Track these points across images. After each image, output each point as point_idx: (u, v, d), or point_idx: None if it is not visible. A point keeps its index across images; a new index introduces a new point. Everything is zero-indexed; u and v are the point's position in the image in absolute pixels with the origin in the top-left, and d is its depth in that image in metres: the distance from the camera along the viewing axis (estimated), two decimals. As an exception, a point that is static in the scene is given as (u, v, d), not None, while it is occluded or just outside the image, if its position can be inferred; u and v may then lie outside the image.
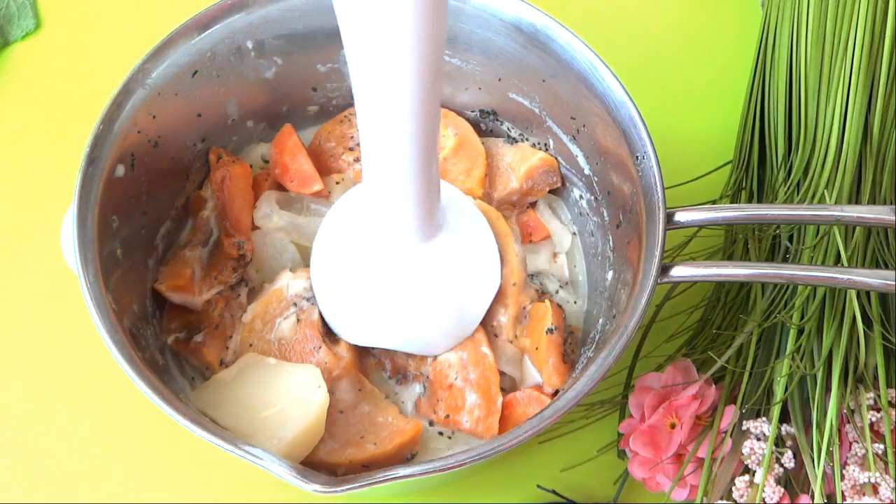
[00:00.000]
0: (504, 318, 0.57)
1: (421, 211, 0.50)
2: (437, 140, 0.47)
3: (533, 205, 0.62)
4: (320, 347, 0.55)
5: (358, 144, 0.61)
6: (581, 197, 0.60)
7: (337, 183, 0.60)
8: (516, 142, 0.62)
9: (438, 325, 0.55)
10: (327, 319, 0.56)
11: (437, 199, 0.51)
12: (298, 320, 0.56)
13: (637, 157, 0.52)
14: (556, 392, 0.55)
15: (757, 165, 0.64)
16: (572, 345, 0.58)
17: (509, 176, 0.61)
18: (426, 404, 0.56)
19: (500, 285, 0.57)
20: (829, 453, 0.52)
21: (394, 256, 0.53)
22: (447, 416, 0.55)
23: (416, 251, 0.53)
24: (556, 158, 0.61)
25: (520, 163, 0.61)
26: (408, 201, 0.49)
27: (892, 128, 0.60)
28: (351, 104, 0.62)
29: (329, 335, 0.56)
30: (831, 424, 0.52)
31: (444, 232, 0.53)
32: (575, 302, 0.60)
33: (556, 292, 0.60)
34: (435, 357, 0.56)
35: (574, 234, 0.62)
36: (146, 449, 0.60)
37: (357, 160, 0.61)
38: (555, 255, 0.62)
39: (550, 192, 0.62)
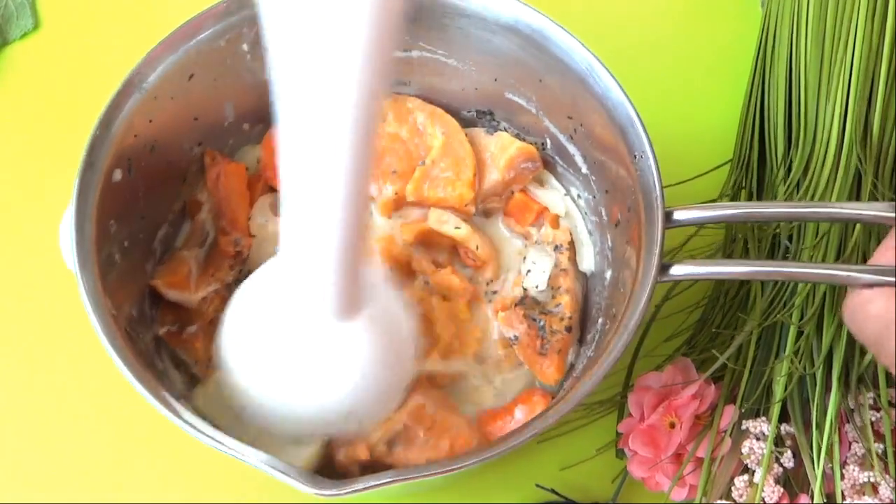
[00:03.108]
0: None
1: (343, 295, 0.47)
2: (367, 223, 0.46)
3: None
4: None
5: None
6: (579, 196, 0.60)
7: None
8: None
9: (358, 406, 0.51)
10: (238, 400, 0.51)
11: (359, 282, 0.48)
12: None
13: (635, 155, 0.52)
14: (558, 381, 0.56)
15: (757, 164, 0.63)
16: (554, 329, 0.57)
17: (491, 168, 0.61)
18: (402, 451, 0.53)
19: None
20: (829, 453, 0.52)
21: (310, 335, 0.49)
22: (427, 441, 0.53)
23: (334, 331, 0.49)
24: (536, 146, 0.61)
25: (500, 153, 0.61)
26: (329, 285, 0.47)
27: (892, 126, 0.60)
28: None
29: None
30: (831, 422, 0.52)
31: (365, 313, 0.49)
32: (580, 269, 0.60)
33: (555, 265, 0.59)
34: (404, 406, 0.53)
35: (567, 194, 0.62)
36: (145, 448, 0.60)
37: None
38: (556, 219, 0.61)
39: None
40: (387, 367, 0.51)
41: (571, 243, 0.60)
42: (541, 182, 0.62)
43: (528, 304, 0.57)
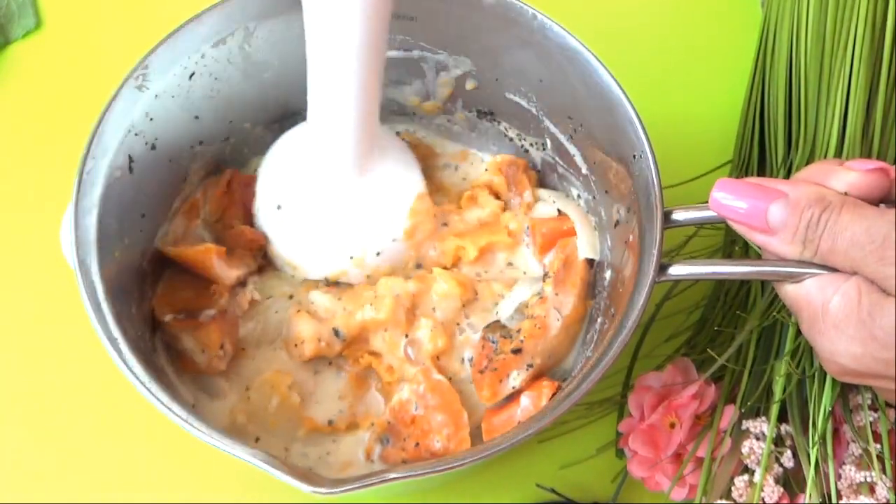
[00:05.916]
0: None
1: (359, 148, 0.56)
2: (380, 82, 0.53)
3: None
4: None
5: None
6: (579, 196, 0.60)
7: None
8: (512, 141, 0.63)
9: (372, 247, 0.59)
10: (281, 254, 0.59)
11: (373, 137, 0.57)
12: None
13: (634, 155, 0.52)
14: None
15: (757, 166, 0.63)
16: (502, 350, 0.56)
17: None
18: (393, 450, 0.55)
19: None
20: (825, 452, 0.52)
21: (332, 188, 0.58)
22: (417, 445, 0.54)
23: (352, 183, 0.58)
24: (537, 147, 0.62)
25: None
26: (347, 138, 0.55)
27: (892, 128, 0.60)
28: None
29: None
30: (824, 418, 0.52)
31: (377, 168, 0.58)
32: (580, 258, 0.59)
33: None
34: (390, 400, 0.56)
35: (568, 197, 0.62)
36: (145, 448, 0.60)
37: None
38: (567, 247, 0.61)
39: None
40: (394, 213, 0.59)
41: (560, 269, 0.59)
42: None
43: (491, 328, 0.57)
